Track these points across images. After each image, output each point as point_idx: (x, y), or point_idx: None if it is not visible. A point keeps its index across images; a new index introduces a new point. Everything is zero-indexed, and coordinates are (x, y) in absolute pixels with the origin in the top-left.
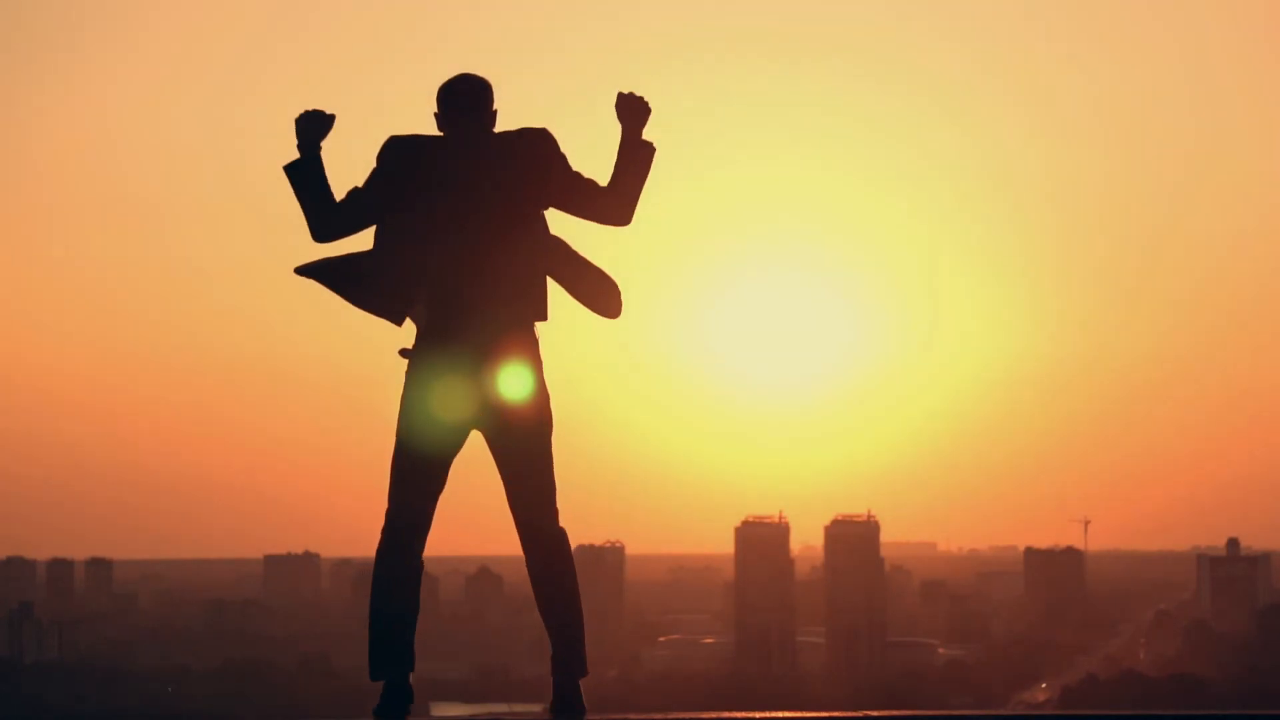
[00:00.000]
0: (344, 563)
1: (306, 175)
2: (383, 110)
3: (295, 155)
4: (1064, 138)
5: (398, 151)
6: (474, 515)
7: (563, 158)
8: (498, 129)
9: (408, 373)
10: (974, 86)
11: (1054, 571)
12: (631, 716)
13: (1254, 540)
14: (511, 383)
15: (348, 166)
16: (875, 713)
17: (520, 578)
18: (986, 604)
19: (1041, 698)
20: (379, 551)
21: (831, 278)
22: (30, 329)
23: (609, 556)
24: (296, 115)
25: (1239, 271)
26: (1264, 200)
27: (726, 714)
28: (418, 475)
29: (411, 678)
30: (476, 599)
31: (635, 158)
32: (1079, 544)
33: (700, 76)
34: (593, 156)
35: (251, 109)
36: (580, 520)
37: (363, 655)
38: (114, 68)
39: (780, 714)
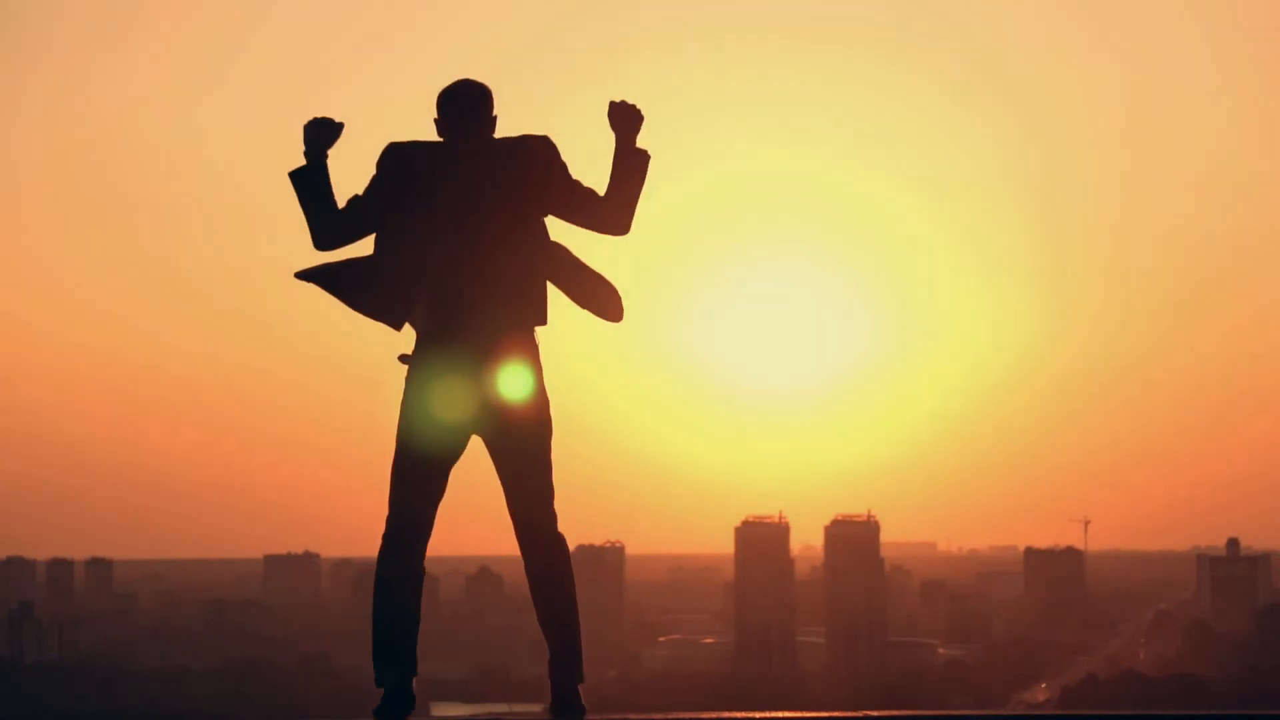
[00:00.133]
0: (344, 563)
1: (311, 182)
2: (383, 113)
3: (299, 160)
4: (1064, 137)
5: (397, 158)
6: (474, 515)
7: (563, 165)
8: (499, 135)
9: (407, 377)
10: (974, 86)
11: (1054, 571)
12: (631, 716)
13: (1254, 540)
14: (511, 384)
15: (346, 167)
16: (875, 713)
17: (520, 578)
18: (986, 604)
19: (1041, 698)
20: (380, 556)
21: (831, 278)
22: (30, 329)
23: (609, 556)
24: (305, 122)
25: (1239, 271)
26: (1265, 200)
27: (726, 714)
28: (418, 478)
29: (414, 681)
30: (476, 599)
31: (630, 166)
32: (1079, 544)
33: (700, 75)
34: (593, 157)
35: (254, 109)
36: (580, 520)
37: (362, 655)
38: (116, 68)
39: (780, 714)
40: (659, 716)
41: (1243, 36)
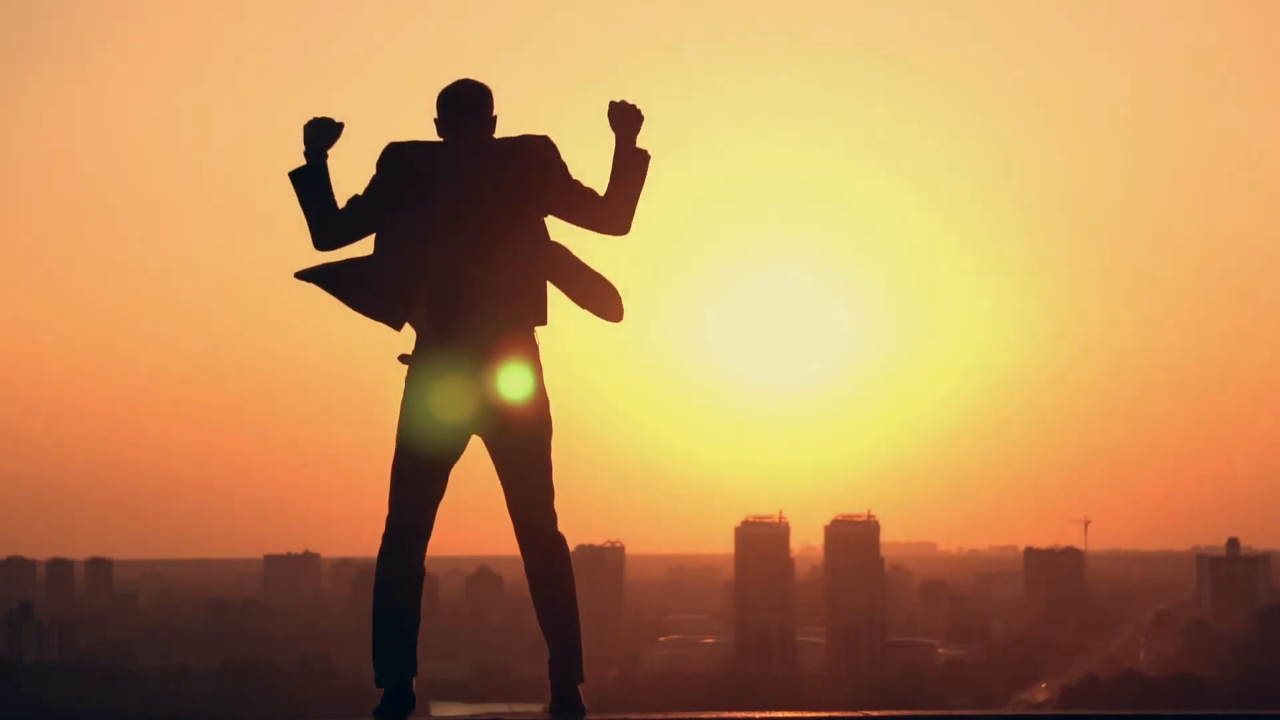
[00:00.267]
0: (344, 563)
1: (311, 182)
2: (382, 113)
3: (299, 159)
4: (1065, 137)
5: (397, 158)
6: (474, 515)
7: (563, 165)
8: (499, 135)
9: (407, 377)
10: (974, 87)
11: (1054, 571)
12: (631, 716)
13: (1254, 540)
14: (511, 384)
15: (345, 167)
16: (875, 713)
17: (520, 578)
18: (986, 604)
19: (1041, 698)
20: (380, 556)
21: (832, 278)
22: (30, 329)
23: (609, 556)
24: (306, 121)
25: (1240, 271)
26: (1265, 200)
27: (726, 714)
28: (418, 478)
29: (414, 681)
30: (476, 599)
31: (630, 166)
32: (1079, 544)
33: (700, 75)
34: (594, 157)
35: (255, 109)
36: (580, 520)
37: (362, 655)
38: (117, 68)
39: (780, 714)
40: (659, 716)
41: (1247, 35)
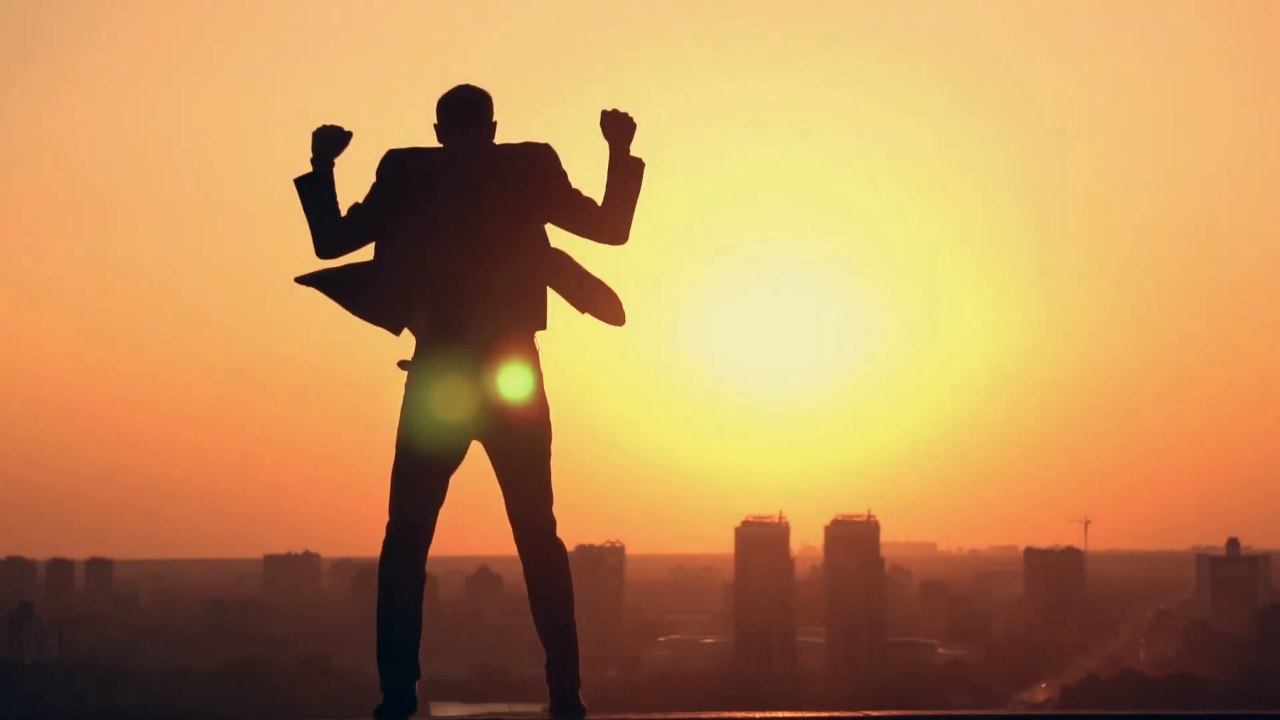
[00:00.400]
0: (344, 563)
1: (316, 189)
2: (382, 117)
3: (301, 160)
4: (1065, 138)
5: (397, 164)
6: (474, 515)
7: (563, 173)
8: (500, 141)
9: (408, 382)
10: (977, 86)
11: (1054, 571)
12: (631, 716)
13: (1254, 540)
14: (511, 384)
15: (342, 171)
16: (875, 713)
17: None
18: (986, 604)
19: (1041, 698)
20: (381, 560)
21: (832, 278)
22: (30, 329)
23: (609, 556)
24: (314, 128)
25: (1239, 271)
26: (1265, 200)
27: (726, 714)
28: (419, 483)
29: (416, 685)
30: (476, 599)
31: (625, 174)
32: (1079, 544)
33: (700, 76)
34: (594, 159)
35: (256, 110)
36: (580, 520)
37: (362, 655)
38: (118, 68)
39: (780, 714)
40: (659, 716)
41: (1245, 36)
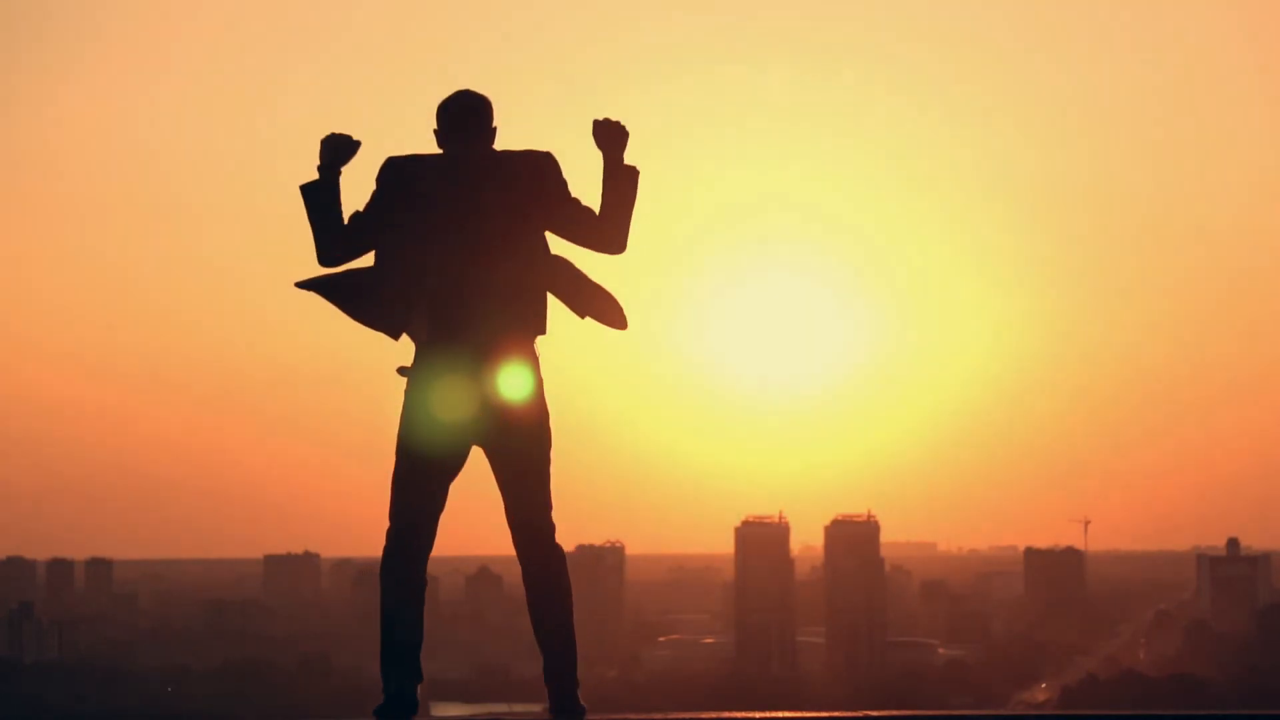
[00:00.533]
0: (344, 563)
1: (322, 197)
2: (381, 121)
3: (303, 160)
4: (1064, 138)
5: (396, 171)
6: (474, 515)
7: (563, 182)
8: (501, 146)
9: (407, 388)
10: (973, 88)
11: (1054, 571)
12: (631, 716)
13: (1254, 540)
14: (511, 384)
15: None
16: (875, 713)
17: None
18: (986, 604)
19: (1041, 698)
20: (383, 567)
21: (831, 278)
22: (31, 329)
23: (609, 556)
24: (323, 136)
25: (1239, 271)
26: (1264, 200)
27: (726, 714)
28: (419, 488)
29: (418, 688)
30: (476, 599)
31: (620, 183)
32: (1079, 544)
33: (699, 80)
34: (594, 161)
35: (258, 112)
36: (580, 520)
37: (362, 655)
38: (119, 68)
39: (780, 714)
40: (659, 716)
41: (1248, 35)
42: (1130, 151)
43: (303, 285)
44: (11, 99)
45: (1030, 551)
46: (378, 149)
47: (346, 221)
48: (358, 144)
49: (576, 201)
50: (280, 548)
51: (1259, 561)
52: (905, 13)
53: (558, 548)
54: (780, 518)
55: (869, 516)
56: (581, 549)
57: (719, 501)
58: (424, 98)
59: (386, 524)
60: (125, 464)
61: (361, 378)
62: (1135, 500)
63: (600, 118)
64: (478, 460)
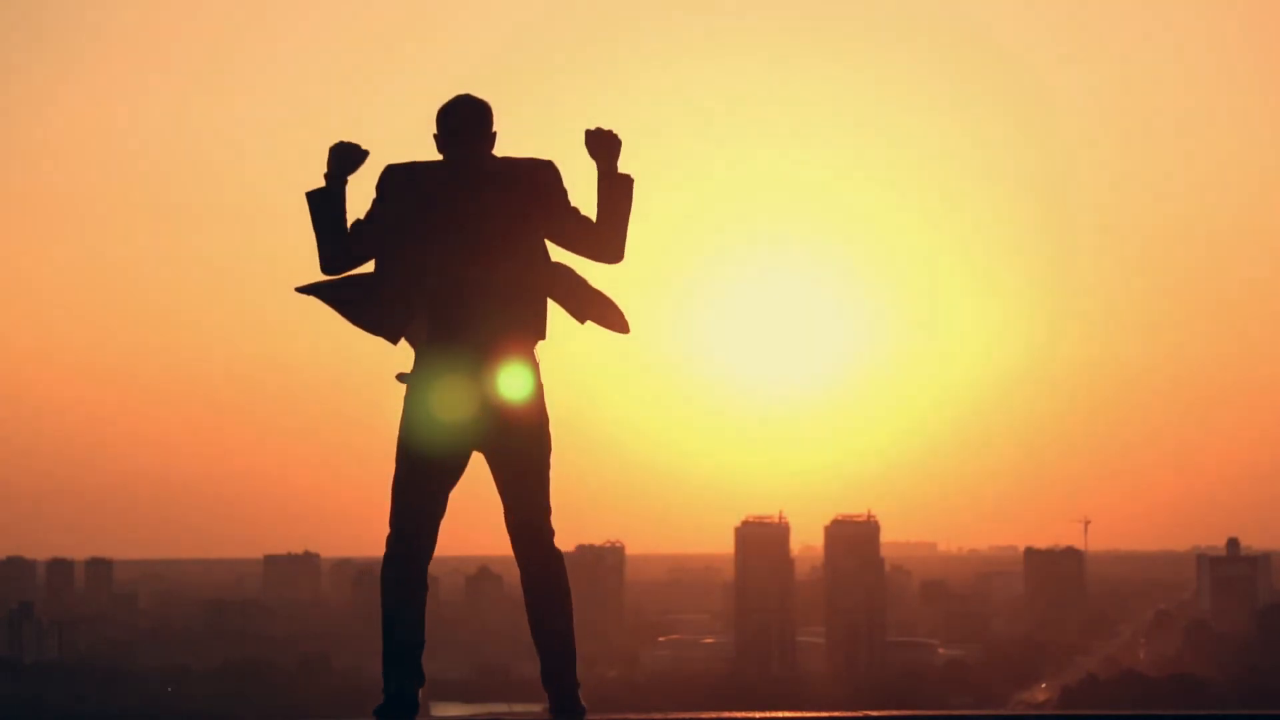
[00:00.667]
0: (344, 563)
1: (327, 205)
2: (380, 123)
3: (304, 160)
4: (1063, 138)
5: (395, 178)
6: (474, 515)
7: (563, 191)
8: (502, 152)
9: (407, 394)
10: (973, 87)
11: (1054, 571)
12: (631, 716)
13: (1254, 540)
14: (511, 384)
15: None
16: (875, 713)
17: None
18: (986, 604)
19: (1041, 698)
20: (384, 572)
21: (831, 278)
22: (31, 329)
23: (609, 556)
24: (331, 144)
25: (1239, 271)
26: (1264, 200)
27: (726, 714)
28: (420, 490)
29: (419, 689)
30: (476, 599)
31: (615, 192)
32: (1079, 544)
33: (696, 77)
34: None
35: (260, 112)
36: (580, 520)
37: (362, 655)
38: (120, 68)
39: (780, 714)
40: (659, 716)
41: (1247, 35)
42: (1130, 151)
43: (303, 290)
44: (11, 99)
45: (1030, 551)
46: (378, 150)
47: (350, 229)
48: (365, 153)
49: (576, 211)
50: (280, 548)
51: (1259, 561)
52: (905, 11)
53: (556, 551)
54: (780, 518)
55: (869, 516)
56: (581, 549)
57: (719, 501)
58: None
59: (387, 524)
60: (125, 464)
61: (362, 378)
62: (1135, 500)
63: (592, 127)
64: (478, 461)
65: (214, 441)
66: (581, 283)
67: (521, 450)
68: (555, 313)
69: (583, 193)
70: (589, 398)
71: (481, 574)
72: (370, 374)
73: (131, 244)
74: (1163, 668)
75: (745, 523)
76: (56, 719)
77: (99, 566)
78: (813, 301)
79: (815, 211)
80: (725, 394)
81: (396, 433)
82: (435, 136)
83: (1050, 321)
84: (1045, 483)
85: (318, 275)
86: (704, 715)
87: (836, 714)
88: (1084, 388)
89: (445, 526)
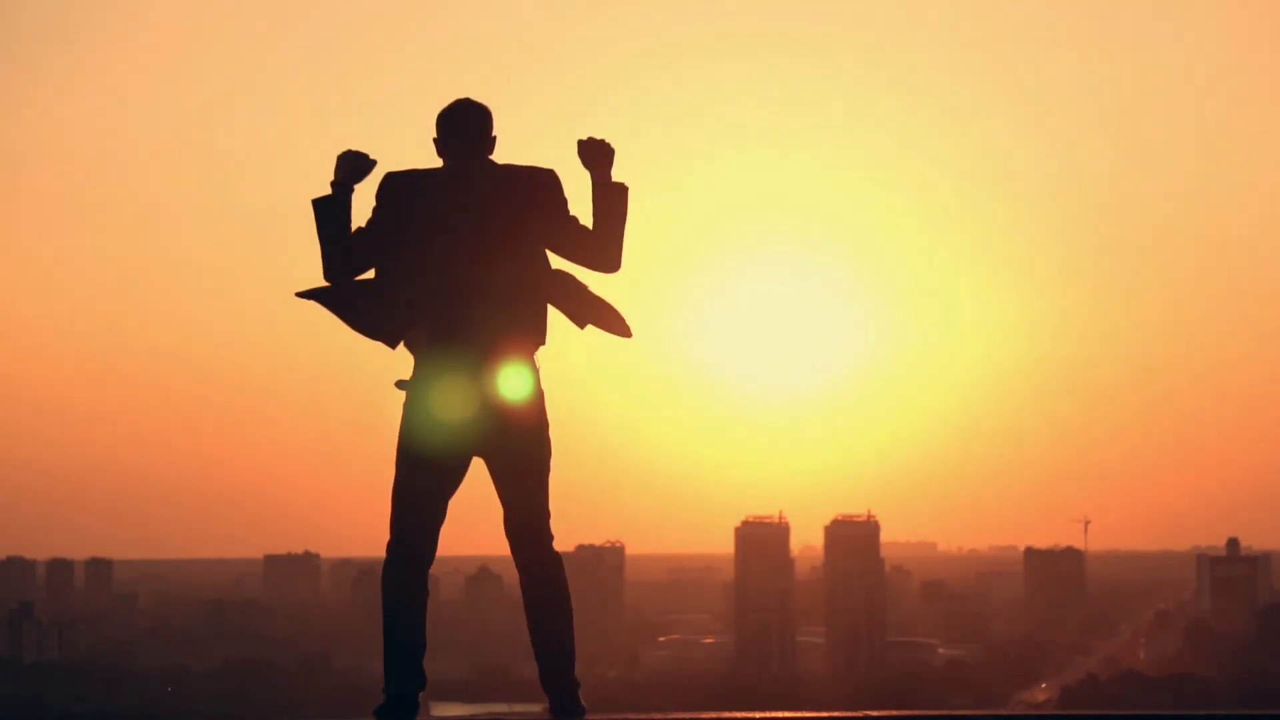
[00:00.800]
0: (344, 563)
1: (332, 213)
2: (384, 118)
3: (305, 160)
4: (1063, 137)
5: (395, 186)
6: (474, 515)
7: (564, 201)
8: (502, 156)
9: (406, 400)
10: (972, 86)
11: (1054, 571)
12: (631, 716)
13: (1254, 540)
14: (511, 384)
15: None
16: (875, 713)
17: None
18: (986, 604)
19: (1041, 698)
20: (384, 579)
21: (831, 278)
22: (30, 329)
23: (609, 556)
24: (340, 152)
25: (1239, 271)
26: (1263, 199)
27: (726, 714)
28: (420, 496)
29: (419, 692)
30: (476, 599)
31: (610, 202)
32: (1079, 544)
33: (696, 79)
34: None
35: (260, 112)
36: (580, 520)
37: (362, 655)
38: (121, 68)
39: (780, 714)
40: (659, 716)
41: (1246, 34)
42: (1130, 151)
43: (303, 295)
44: (11, 99)
45: (1030, 551)
46: (378, 152)
47: (352, 237)
48: (373, 163)
49: (575, 220)
50: (280, 548)
51: (1259, 561)
52: (905, 11)
53: (556, 554)
54: (780, 518)
55: (869, 516)
56: (581, 549)
57: (719, 501)
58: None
59: (387, 524)
60: (125, 464)
61: (362, 378)
62: (1135, 500)
63: (584, 137)
64: (479, 464)
65: (214, 441)
66: (582, 288)
67: (521, 451)
68: (556, 318)
69: (579, 201)
70: (589, 398)
71: (481, 574)
72: (370, 374)
73: (131, 244)
74: (1163, 668)
75: (745, 523)
76: (56, 719)
77: (99, 566)
78: (813, 301)
79: (815, 212)
80: (725, 394)
81: (396, 433)
82: (435, 140)
83: (1050, 322)
84: (1045, 483)
85: (318, 275)
86: (704, 715)
87: (836, 714)
88: (1084, 388)
89: (445, 526)
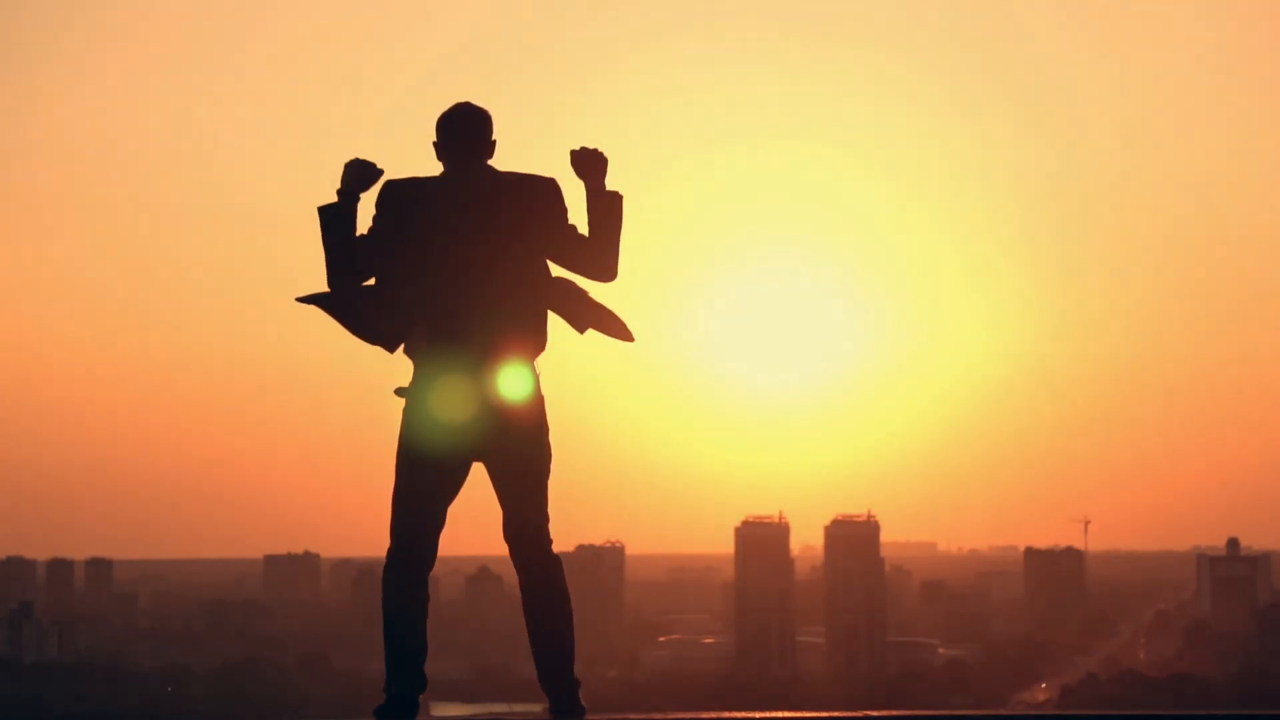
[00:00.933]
0: (344, 563)
1: (337, 220)
2: (385, 118)
3: (305, 161)
4: (1064, 137)
5: (395, 192)
6: (474, 515)
7: (564, 210)
8: (502, 159)
9: (405, 405)
10: (973, 86)
11: (1054, 571)
12: (631, 716)
13: (1254, 540)
14: (511, 384)
15: (336, 164)
16: (875, 713)
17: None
18: (986, 604)
19: (1041, 698)
20: (385, 583)
21: (831, 278)
22: (30, 329)
23: (609, 556)
24: (347, 160)
25: (1239, 271)
26: (1264, 199)
27: (726, 714)
28: (420, 500)
29: (420, 694)
30: (476, 599)
31: (605, 211)
32: (1079, 544)
33: (697, 77)
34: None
35: (260, 111)
36: (580, 520)
37: (362, 655)
38: (121, 68)
39: (780, 714)
40: (659, 716)
41: (1246, 34)
42: (1130, 151)
43: (303, 300)
44: (10, 99)
45: (1030, 551)
46: (378, 153)
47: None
48: (380, 172)
49: (574, 229)
50: (280, 548)
51: (1259, 561)
52: (905, 10)
53: (555, 556)
54: (780, 518)
55: (869, 516)
56: (581, 549)
57: (719, 501)
58: (423, 100)
59: (387, 525)
60: (125, 464)
61: (362, 378)
62: (1135, 500)
63: (576, 147)
64: (478, 465)
65: (214, 441)
66: (582, 293)
67: (521, 453)
68: (557, 324)
69: (575, 209)
70: (589, 398)
71: (481, 574)
72: (370, 374)
73: (131, 244)
74: (1163, 668)
75: (745, 523)
76: (56, 719)
77: (99, 566)
78: (813, 302)
79: (815, 212)
80: (725, 394)
81: (396, 433)
82: (435, 144)
83: (1050, 321)
84: (1045, 483)
85: (319, 276)
86: (704, 715)
87: (836, 714)
88: (1084, 388)
89: (445, 527)
